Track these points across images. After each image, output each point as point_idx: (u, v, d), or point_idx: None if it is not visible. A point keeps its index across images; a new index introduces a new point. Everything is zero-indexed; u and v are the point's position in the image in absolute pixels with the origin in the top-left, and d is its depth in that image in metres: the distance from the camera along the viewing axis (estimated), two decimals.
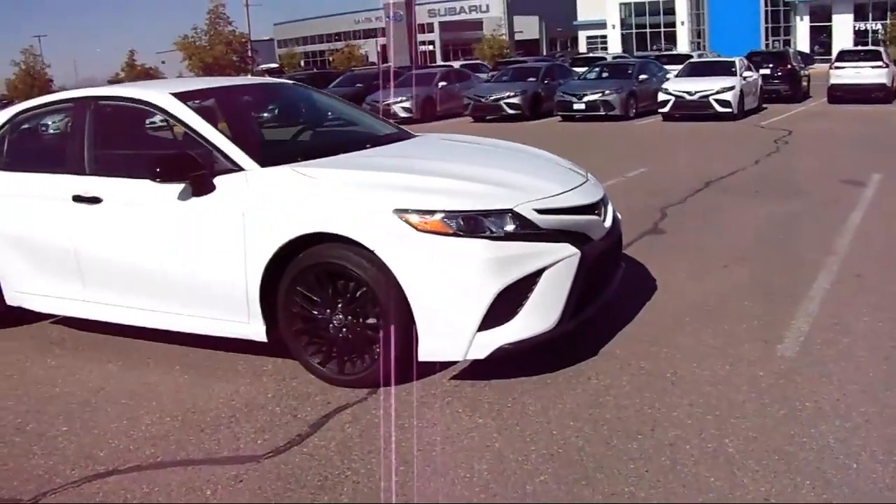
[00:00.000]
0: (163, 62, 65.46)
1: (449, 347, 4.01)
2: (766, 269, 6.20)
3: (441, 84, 25.19)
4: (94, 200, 4.87)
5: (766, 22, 57.57)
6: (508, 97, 22.88)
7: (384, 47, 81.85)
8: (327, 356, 4.31)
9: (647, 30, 63.78)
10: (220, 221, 4.43)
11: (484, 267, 3.92)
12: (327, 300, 4.23)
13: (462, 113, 23.81)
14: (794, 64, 26.23)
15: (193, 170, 4.47)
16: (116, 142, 5.42)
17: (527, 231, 4.07)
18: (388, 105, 23.75)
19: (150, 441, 3.82)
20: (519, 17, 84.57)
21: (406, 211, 3.98)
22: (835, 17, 56.27)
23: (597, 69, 24.26)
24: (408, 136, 5.57)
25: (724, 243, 7.16)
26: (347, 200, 4.14)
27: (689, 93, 20.35)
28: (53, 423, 4.10)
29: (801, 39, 56.16)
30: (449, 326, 3.97)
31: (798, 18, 57.73)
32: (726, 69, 21.27)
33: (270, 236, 4.26)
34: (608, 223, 4.72)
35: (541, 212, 4.15)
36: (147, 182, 4.61)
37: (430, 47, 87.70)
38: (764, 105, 22.33)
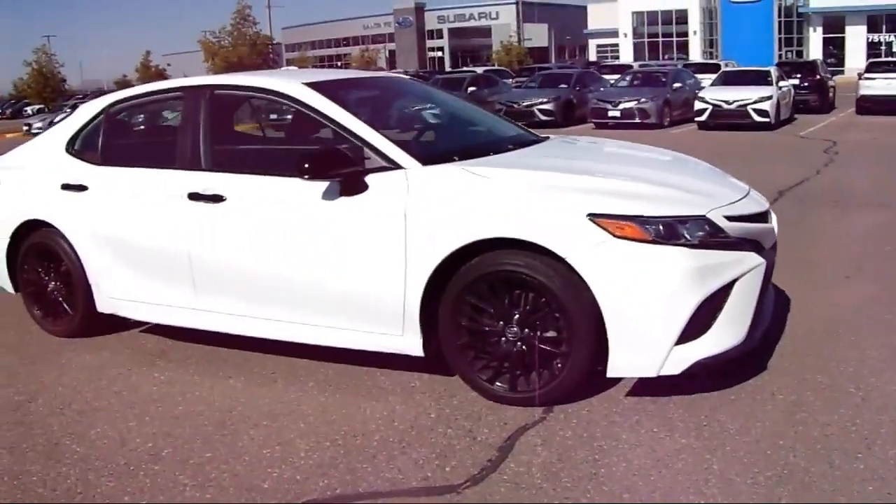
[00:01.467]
0: (168, 65, 65.54)
1: (642, 362, 3.80)
2: (891, 281, 6.03)
3: (470, 89, 25.05)
4: (216, 199, 4.53)
5: (780, 33, 57.52)
6: (541, 103, 22.76)
7: (392, 52, 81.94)
8: (497, 372, 4.01)
9: (660, 39, 63.74)
10: (376, 224, 4.09)
11: (686, 276, 3.72)
12: (501, 311, 3.94)
13: None
14: (823, 74, 26.17)
15: (345, 166, 4.14)
16: (237, 135, 5.23)
17: (719, 239, 3.87)
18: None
19: (317, 470, 3.47)
20: (528, 25, 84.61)
21: (601, 215, 3.73)
22: (848, 29, 56.26)
23: (629, 77, 24.15)
24: (542, 138, 5.36)
25: (833, 254, 6.99)
26: (532, 203, 3.85)
27: (726, 102, 20.21)
28: (192, 448, 3.74)
29: (814, 50, 56.11)
30: (644, 340, 3.75)
31: (811, 29, 57.73)
32: (762, 78, 21.14)
33: (439, 241, 3.95)
34: (777, 232, 4.56)
35: (729, 219, 3.96)
36: (281, 179, 4.39)
37: (440, 53, 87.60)
38: (794, 115, 22.20)
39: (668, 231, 3.76)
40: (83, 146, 5.39)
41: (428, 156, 4.29)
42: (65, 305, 5.40)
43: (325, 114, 4.45)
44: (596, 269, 3.73)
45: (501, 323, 3.96)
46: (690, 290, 3.71)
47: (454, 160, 4.28)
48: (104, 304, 5.23)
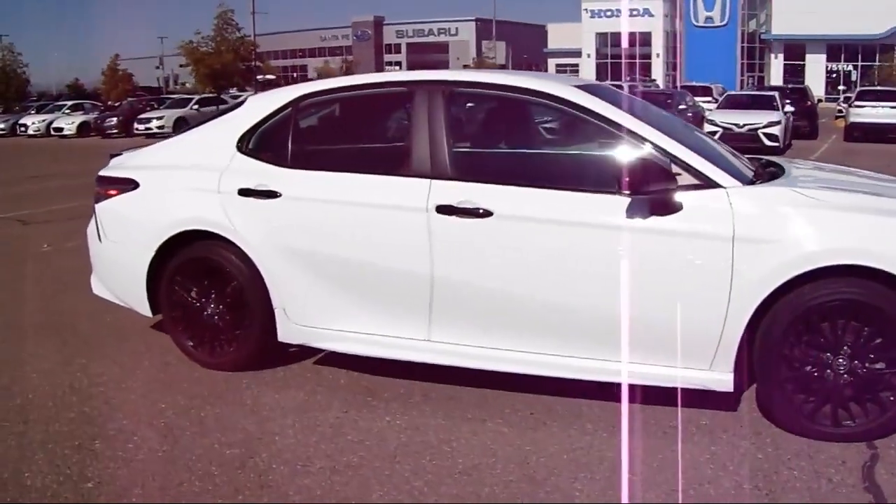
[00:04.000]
0: (102, 72, 63.44)
1: None
2: None
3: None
4: (477, 213, 3.82)
5: (742, 58, 58.56)
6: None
7: (349, 65, 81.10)
8: (817, 408, 3.56)
9: (623, 60, 64.28)
10: (694, 248, 3.55)
11: None
12: (835, 343, 3.51)
13: None
14: (813, 101, 26.49)
15: (662, 182, 3.58)
16: (486, 140, 4.49)
17: None
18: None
19: None
20: (486, 42, 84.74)
21: None
22: (808, 56, 57.66)
23: None
24: (776, 161, 4.74)
25: None
26: (880, 228, 3.48)
27: (737, 125, 20.00)
28: None
29: (775, 76, 57.30)
30: None
31: (773, 56, 58.98)
32: (769, 103, 21.09)
33: (773, 269, 3.45)
34: None
35: None
36: (566, 193, 3.78)
37: (397, 68, 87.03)
38: (790, 141, 22.21)
39: None
40: (263, 145, 4.52)
41: (738, 175, 3.79)
42: (231, 333, 4.54)
43: (617, 122, 3.83)
44: None
45: (834, 356, 3.53)
46: None
47: (757, 181, 3.84)
48: (290, 333, 4.38)
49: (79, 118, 33.55)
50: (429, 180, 3.96)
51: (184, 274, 4.59)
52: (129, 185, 4.74)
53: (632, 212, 3.60)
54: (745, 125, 19.90)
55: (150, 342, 5.14)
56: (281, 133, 4.48)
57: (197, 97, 32.82)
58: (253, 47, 30.34)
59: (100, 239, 4.89)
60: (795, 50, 58.01)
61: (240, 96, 32.53)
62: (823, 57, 57.41)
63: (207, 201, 4.44)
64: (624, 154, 3.80)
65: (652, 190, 3.57)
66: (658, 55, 62.39)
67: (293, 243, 4.25)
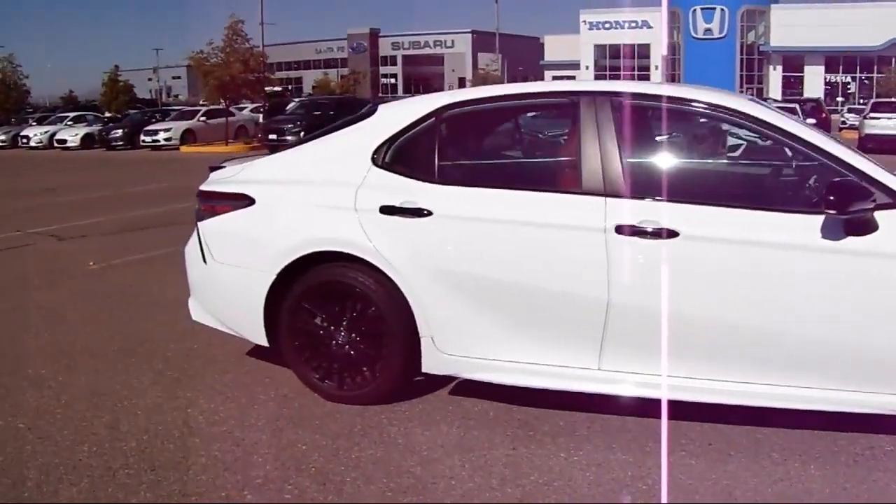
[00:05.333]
0: (102, 83, 62.65)
1: None
2: None
3: None
4: (661, 234, 3.51)
5: (741, 70, 58.58)
6: None
7: (356, 78, 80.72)
8: None
9: (621, 72, 64.27)
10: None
11: None
12: None
13: None
14: (827, 114, 26.56)
15: (863, 201, 3.30)
16: (659, 155, 4.13)
17: None
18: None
19: None
20: (481, 55, 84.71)
21: None
22: (806, 68, 57.79)
23: None
24: None
25: None
26: None
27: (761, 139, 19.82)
28: None
29: (774, 88, 57.35)
30: None
31: (771, 68, 59.05)
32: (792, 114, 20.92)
33: None
34: None
35: None
36: (756, 213, 3.50)
37: (392, 80, 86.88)
38: None
39: None
40: (403, 158, 4.11)
41: None
42: (365, 364, 4.10)
43: (805, 139, 3.58)
44: None
45: None
46: None
47: None
48: (436, 363, 3.97)
49: (82, 130, 32.94)
50: (602, 198, 3.63)
51: (311, 299, 4.16)
52: (243, 201, 4.31)
53: (830, 232, 3.36)
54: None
55: (254, 372, 4.72)
56: (424, 145, 4.09)
57: (204, 109, 32.33)
58: (263, 58, 29.81)
59: (204, 260, 4.45)
60: (794, 62, 58.14)
61: (244, 108, 32.16)
62: (822, 69, 57.55)
63: (343, 219, 4.02)
64: (818, 172, 3.59)
65: (853, 209, 3.28)
66: (656, 67, 62.37)
67: (445, 266, 3.86)
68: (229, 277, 4.35)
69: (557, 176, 4.08)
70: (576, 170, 3.76)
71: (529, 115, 4.45)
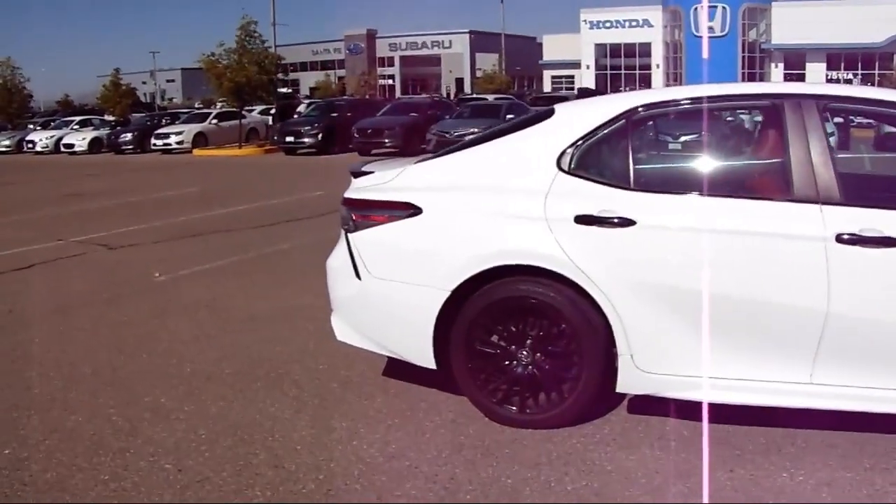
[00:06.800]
0: (104, 86, 61.92)
1: None
2: None
3: (509, 116, 23.72)
4: (884, 242, 3.30)
5: (743, 67, 58.35)
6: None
7: (368, 79, 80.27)
8: None
9: (623, 71, 64.04)
10: None
11: None
12: None
13: None
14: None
15: None
16: (869, 160, 3.80)
17: None
18: (461, 136, 22.18)
19: None
20: (480, 55, 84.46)
21: None
22: (808, 66, 57.62)
23: None
24: None
25: None
26: None
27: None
28: None
29: None
30: None
31: (773, 65, 58.90)
32: None
33: None
34: None
35: None
36: None
37: (390, 81, 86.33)
38: None
39: None
40: (592, 163, 3.77)
41: None
42: (552, 385, 3.74)
43: None
44: None
45: None
46: None
47: None
48: (633, 382, 3.63)
49: (90, 134, 32.29)
50: (817, 205, 3.42)
51: (491, 317, 3.77)
52: (406, 210, 3.89)
53: None
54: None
55: (403, 395, 4.30)
56: (616, 149, 3.77)
57: (215, 111, 31.80)
58: (278, 59, 29.27)
59: (358, 276, 4.02)
60: (796, 59, 57.96)
61: (252, 111, 31.63)
62: (823, 66, 57.38)
63: (533, 230, 3.63)
64: None
65: None
66: (658, 66, 62.09)
67: (649, 278, 3.52)
68: (391, 294, 3.93)
69: (764, 182, 3.82)
70: (784, 176, 3.53)
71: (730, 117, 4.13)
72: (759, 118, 4.32)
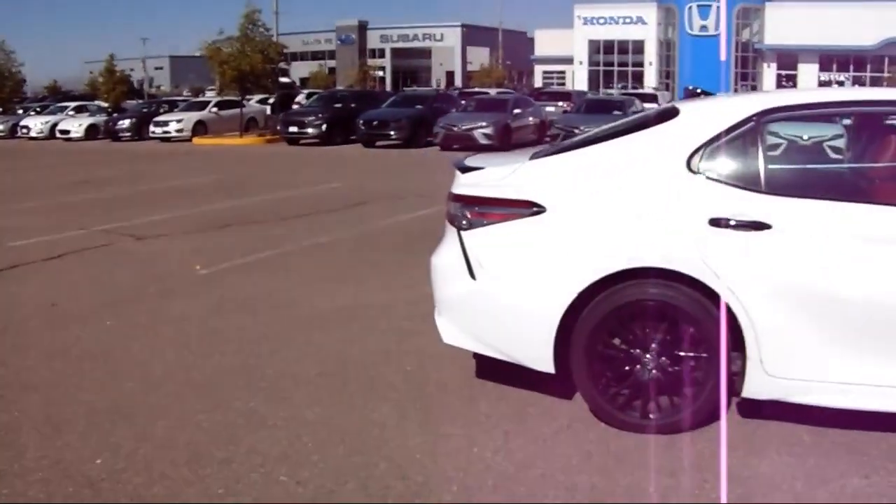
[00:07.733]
0: (91, 72, 61.07)
1: None
2: None
3: (515, 111, 23.61)
4: None
5: (736, 67, 58.54)
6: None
7: (332, 70, 79.94)
8: None
9: (615, 68, 64.08)
10: None
11: None
12: None
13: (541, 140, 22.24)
14: None
15: None
16: None
17: None
18: (469, 130, 22.03)
19: None
20: (471, 48, 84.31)
21: None
22: (800, 66, 57.92)
23: None
24: None
25: None
26: None
27: (800, 137, 19.57)
28: None
29: (768, 86, 57.40)
30: None
31: (766, 65, 59.14)
32: None
33: None
34: None
35: None
36: None
37: (381, 73, 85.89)
38: None
39: None
40: (722, 165, 3.66)
41: None
42: (675, 390, 3.65)
43: None
44: None
45: None
46: None
47: None
48: (760, 387, 3.55)
49: (86, 120, 31.75)
50: None
51: (617, 321, 3.64)
52: (529, 208, 3.74)
53: None
54: (809, 138, 19.43)
55: (508, 399, 4.14)
56: (746, 152, 3.67)
57: (216, 100, 31.37)
58: (282, 48, 28.93)
59: (472, 276, 3.86)
60: (788, 60, 58.25)
61: (250, 100, 31.23)
62: (816, 67, 57.70)
63: (666, 233, 3.54)
64: None
65: None
66: (651, 63, 62.20)
67: (785, 283, 3.44)
68: (509, 295, 3.78)
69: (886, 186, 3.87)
70: None
71: (864, 122, 4.07)
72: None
